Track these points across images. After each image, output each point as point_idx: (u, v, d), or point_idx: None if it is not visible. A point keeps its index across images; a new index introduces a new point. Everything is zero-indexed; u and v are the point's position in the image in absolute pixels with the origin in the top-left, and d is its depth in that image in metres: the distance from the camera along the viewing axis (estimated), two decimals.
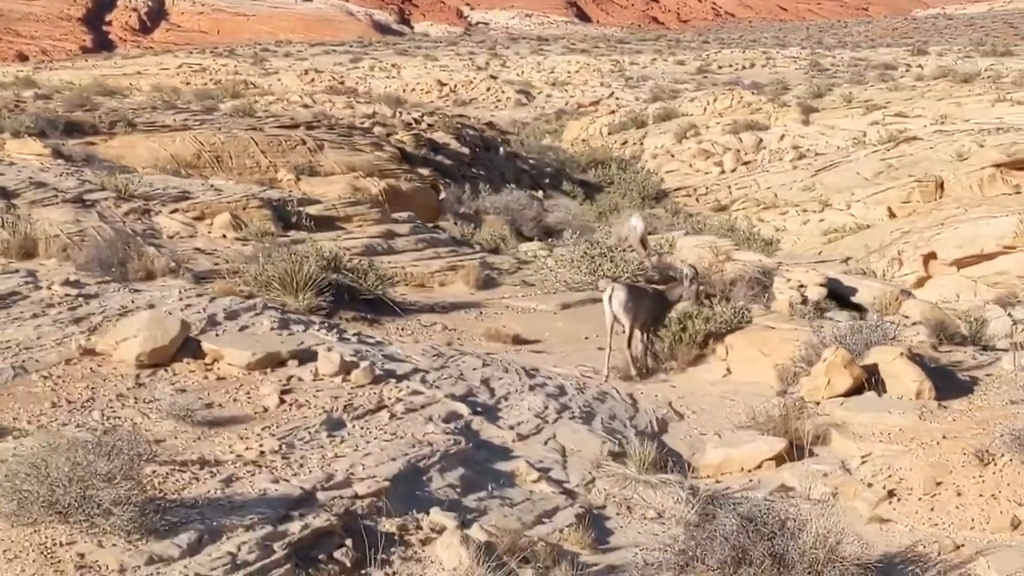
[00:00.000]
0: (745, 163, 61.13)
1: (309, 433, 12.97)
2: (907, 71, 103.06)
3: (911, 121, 59.60)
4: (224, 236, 23.71)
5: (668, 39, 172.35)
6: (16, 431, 12.56)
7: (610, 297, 17.66)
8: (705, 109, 72.55)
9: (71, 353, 15.16)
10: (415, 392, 14.47)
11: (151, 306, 17.42)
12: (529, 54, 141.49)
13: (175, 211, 24.28)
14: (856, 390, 15.07)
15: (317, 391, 14.35)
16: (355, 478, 11.61)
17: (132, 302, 17.62)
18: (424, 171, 44.25)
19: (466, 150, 56.18)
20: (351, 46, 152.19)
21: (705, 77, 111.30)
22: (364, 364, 14.89)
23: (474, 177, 51.36)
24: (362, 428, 13.35)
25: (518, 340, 19.23)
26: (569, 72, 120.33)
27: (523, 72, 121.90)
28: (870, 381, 15.12)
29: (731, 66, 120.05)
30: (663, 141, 67.57)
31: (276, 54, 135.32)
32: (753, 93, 73.46)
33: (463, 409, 14.24)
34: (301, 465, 12.05)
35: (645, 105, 79.24)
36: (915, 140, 53.75)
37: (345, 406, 13.84)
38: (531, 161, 61.09)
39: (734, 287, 22.33)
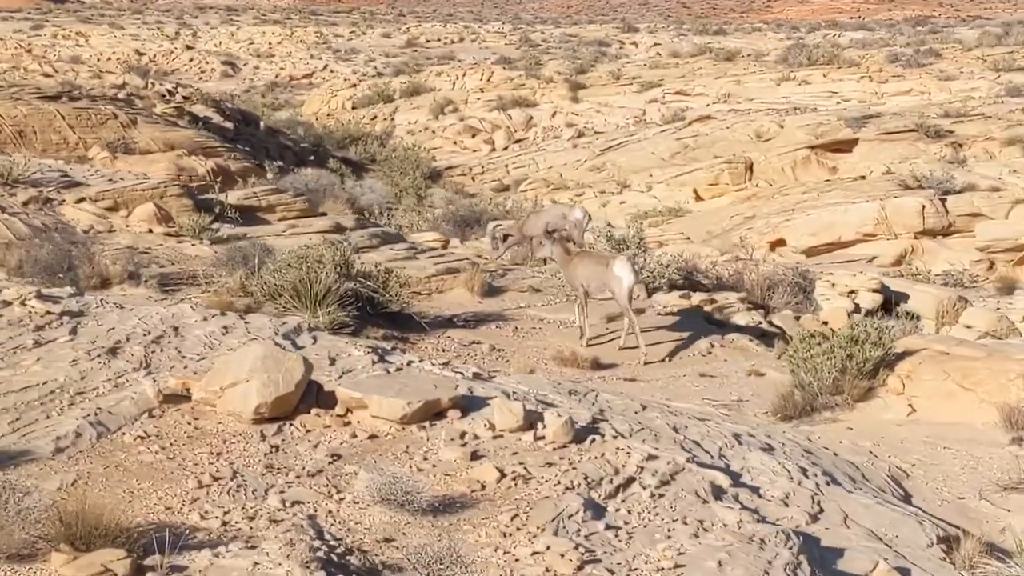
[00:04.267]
0: (517, 141, 58.39)
1: (578, 524, 9.54)
2: (621, 47, 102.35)
3: (693, 100, 57.93)
4: (150, 231, 19.57)
5: (362, 11, 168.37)
6: (200, 531, 8.83)
7: (632, 268, 16.89)
8: (454, 84, 69.53)
9: (149, 401, 11.32)
10: (650, 456, 10.94)
11: (174, 327, 13.62)
12: (220, 24, 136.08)
13: (81, 200, 19.93)
14: None
15: (514, 454, 10.78)
16: None
17: (141, 321, 13.71)
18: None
19: (230, 124, 51.92)
20: (29, 13, 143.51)
21: (416, 51, 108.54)
22: (555, 416, 11.33)
23: (241, 153, 47.22)
24: (631, 513, 9.93)
25: (597, 365, 15.84)
26: (271, 43, 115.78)
27: (220, 43, 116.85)
28: None
29: (439, 40, 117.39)
30: (418, 116, 64.34)
31: None
32: (504, 68, 70.66)
33: (720, 478, 10.82)
34: None
35: (389, 79, 75.60)
36: (709, 119, 51.93)
37: (586, 480, 10.30)
38: (291, 137, 56.97)
39: (773, 293, 19.37)
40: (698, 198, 46.24)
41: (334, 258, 16.26)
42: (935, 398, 14.14)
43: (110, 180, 21.67)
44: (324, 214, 22.99)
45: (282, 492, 9.80)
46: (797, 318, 18.73)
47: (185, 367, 12.43)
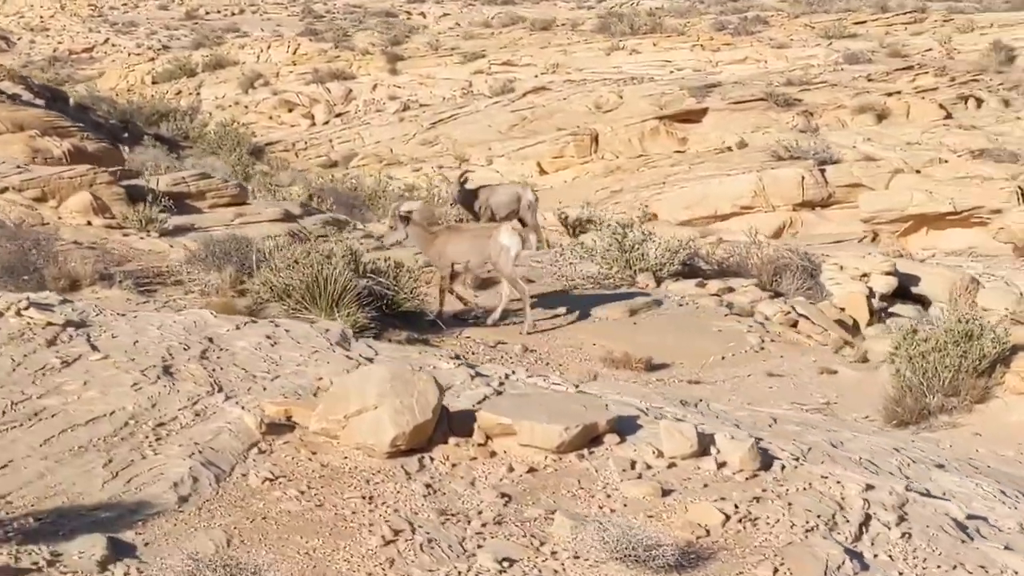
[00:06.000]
0: (339, 115, 56.35)
1: None
2: (409, 18, 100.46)
3: (521, 70, 56.49)
4: (89, 223, 17.41)
5: None
6: None
7: (519, 237, 16.16)
8: (259, 57, 67.06)
9: (251, 433, 9.50)
10: (868, 487, 9.40)
11: (208, 339, 11.66)
12: None
13: (4, 191, 17.66)
14: None
15: (705, 487, 9.20)
16: None
17: (162, 332, 11.84)
18: None
19: (40, 101, 48.81)
20: None
21: (197, 23, 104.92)
22: (728, 439, 9.78)
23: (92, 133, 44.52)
24: (893, 560, 8.50)
25: (650, 366, 14.30)
26: (43, 17, 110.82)
27: None
28: None
29: (219, 12, 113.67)
30: (226, 91, 61.76)
31: None
32: (311, 40, 68.41)
33: (953, 509, 9.34)
34: None
35: (189, 52, 72.61)
36: (544, 90, 50.67)
37: (820, 519, 8.74)
38: (99, 114, 54.05)
39: (780, 278, 18.07)
40: (542, 172, 44.93)
41: (343, 253, 14.41)
42: None
43: (19, 167, 19.38)
44: (246, 201, 20.86)
45: (480, 546, 8.12)
46: (812, 304, 17.48)
47: (264, 389, 10.56)
